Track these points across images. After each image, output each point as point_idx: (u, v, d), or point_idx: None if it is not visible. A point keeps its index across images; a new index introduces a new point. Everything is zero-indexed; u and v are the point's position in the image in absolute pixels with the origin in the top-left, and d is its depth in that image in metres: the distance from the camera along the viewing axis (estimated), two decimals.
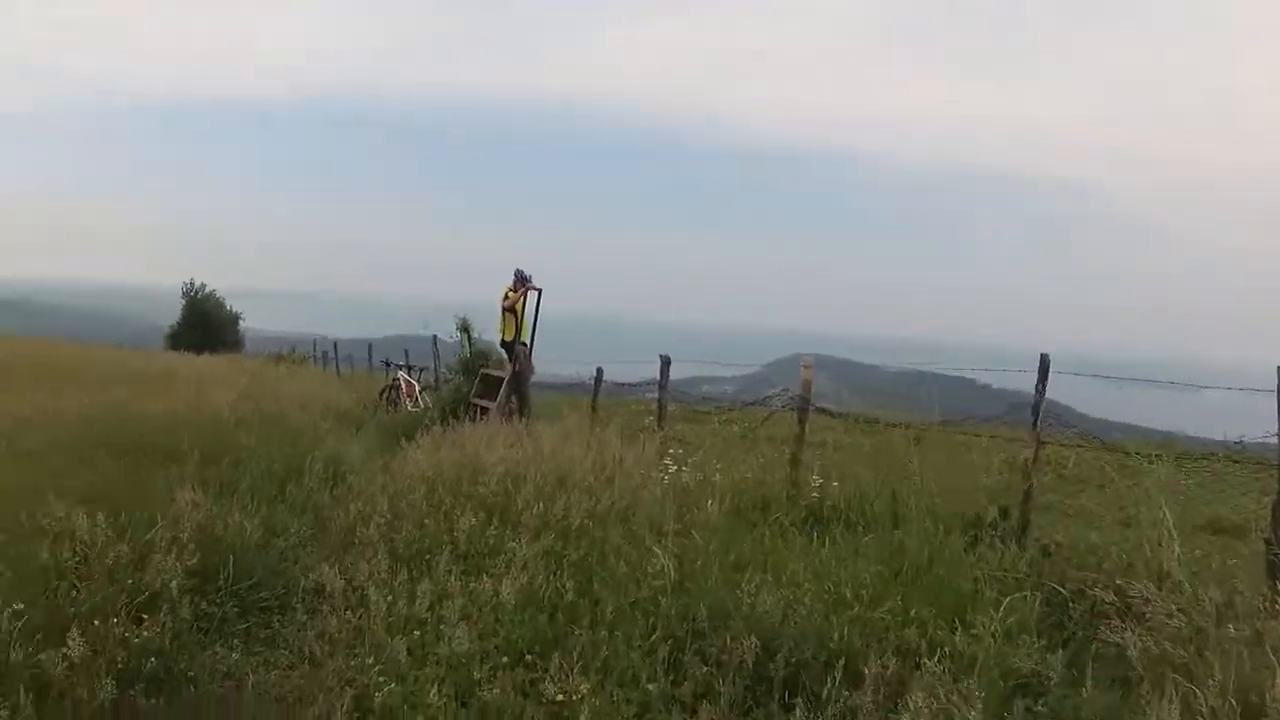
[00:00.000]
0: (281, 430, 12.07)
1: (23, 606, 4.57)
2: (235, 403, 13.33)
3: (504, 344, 15.63)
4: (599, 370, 15.35)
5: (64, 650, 4.18)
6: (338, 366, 30.80)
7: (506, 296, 15.34)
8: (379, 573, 6.32)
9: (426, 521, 7.42)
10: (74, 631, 4.28)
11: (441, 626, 5.47)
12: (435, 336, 19.75)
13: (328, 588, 6.28)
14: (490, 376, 16.32)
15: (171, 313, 56.22)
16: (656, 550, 6.42)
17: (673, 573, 6.15)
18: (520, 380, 15.38)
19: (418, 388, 19.33)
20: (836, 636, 5.36)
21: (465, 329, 17.26)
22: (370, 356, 28.34)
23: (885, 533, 7.67)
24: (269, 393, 16.48)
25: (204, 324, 52.01)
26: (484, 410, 15.50)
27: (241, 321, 58.40)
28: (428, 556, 6.69)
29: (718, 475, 9.01)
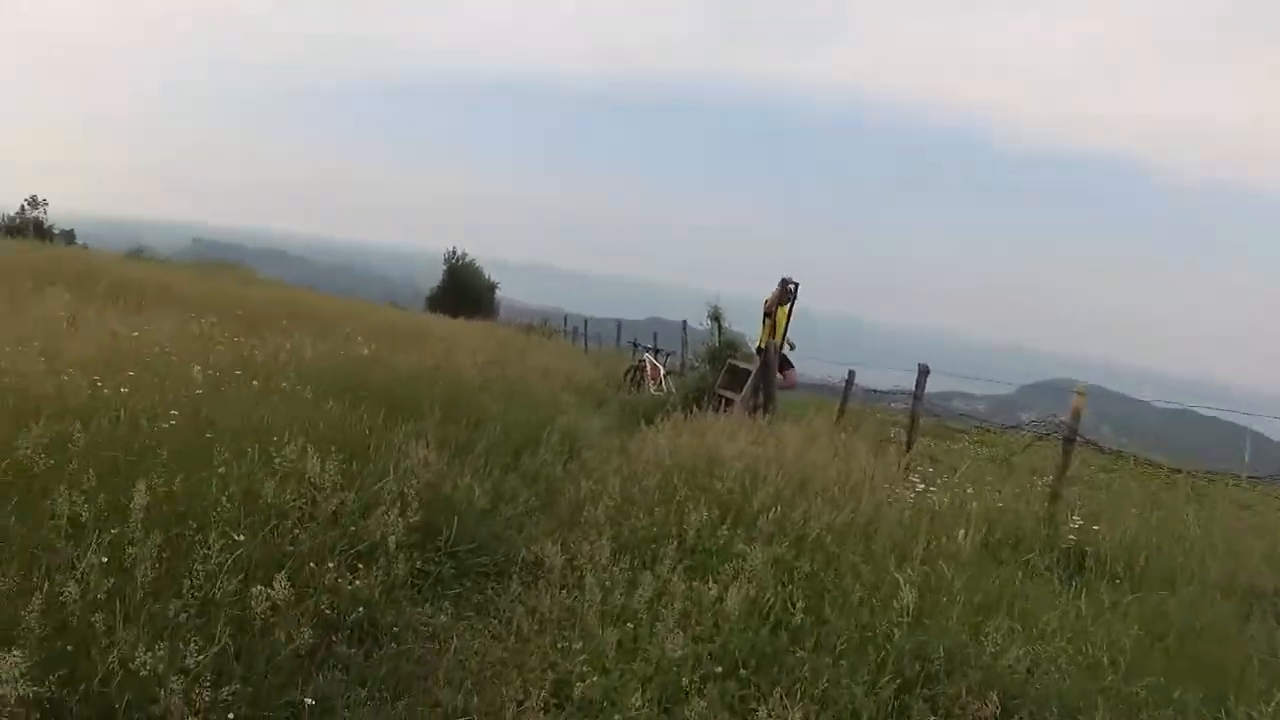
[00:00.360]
0: (523, 398, 12.10)
1: (241, 539, 4.54)
2: (482, 366, 13.51)
3: (759, 351, 15.21)
4: (850, 374, 14.78)
5: (269, 590, 4.09)
6: (586, 342, 31.42)
7: (766, 303, 14.92)
8: (600, 557, 6.04)
9: (657, 510, 7.02)
10: (282, 574, 4.18)
11: (656, 624, 5.12)
12: (685, 322, 19.67)
13: (547, 563, 6.05)
14: (738, 368, 15.99)
15: (433, 276, 58.99)
16: (899, 577, 5.87)
17: (912, 605, 5.59)
18: (768, 376, 14.99)
19: (663, 371, 19.24)
20: (1092, 711, 4.70)
21: (716, 318, 17.00)
22: (619, 336, 28.81)
23: (1150, 591, 6.87)
24: (515, 360, 16.71)
25: (461, 290, 54.43)
26: (728, 402, 15.20)
27: (497, 291, 60.68)
28: (653, 547, 6.35)
29: (974, 502, 8.32)
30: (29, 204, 48.93)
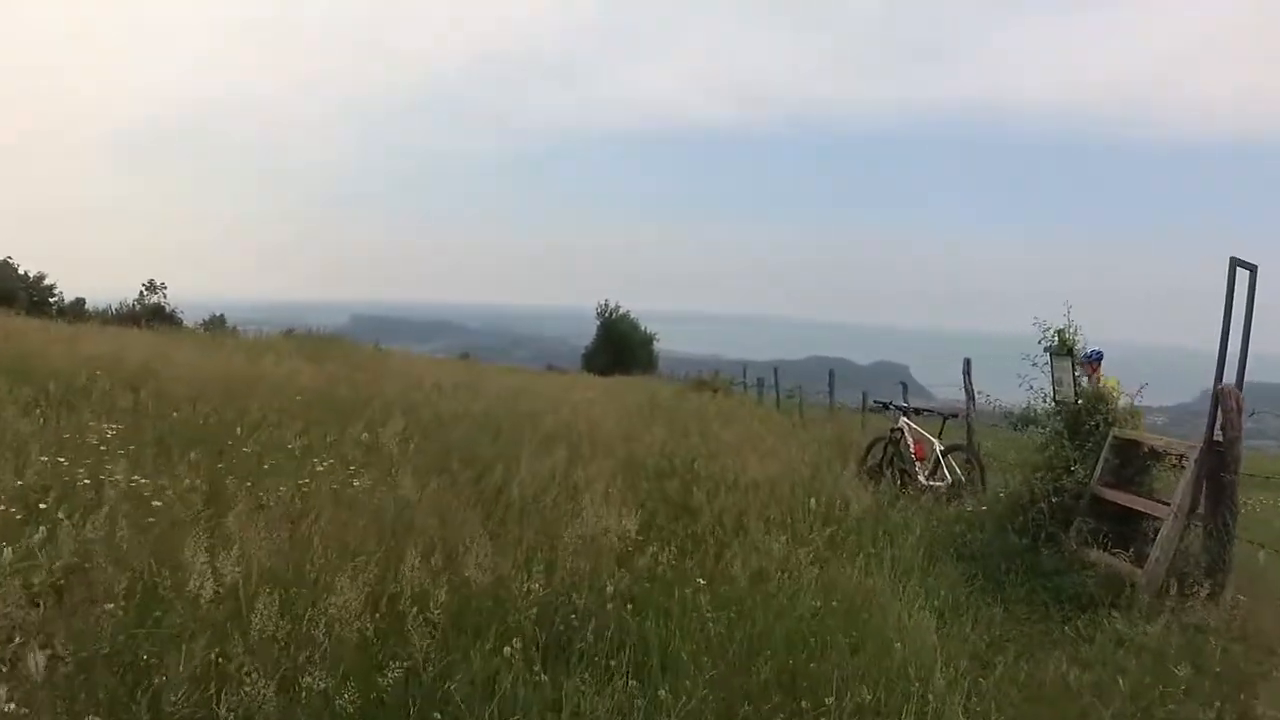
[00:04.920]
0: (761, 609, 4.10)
1: None
2: (647, 515, 5.63)
3: None
4: None
5: None
6: (778, 396, 22.77)
7: None
8: None
9: None
10: None
11: None
12: (968, 361, 11.30)
13: None
14: (1134, 446, 7.86)
15: (590, 334, 54.21)
16: None
17: None
18: (1225, 469, 6.86)
19: (938, 446, 10.93)
20: None
21: (1068, 349, 8.65)
22: (831, 387, 19.17)
23: None
24: (701, 452, 9.05)
25: (617, 344, 49.54)
26: (1130, 516, 7.37)
27: (656, 343, 55.21)
28: None
29: None
30: (147, 288, 44.25)
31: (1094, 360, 10.21)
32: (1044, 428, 9.00)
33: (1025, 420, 9.36)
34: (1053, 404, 8.80)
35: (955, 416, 11.38)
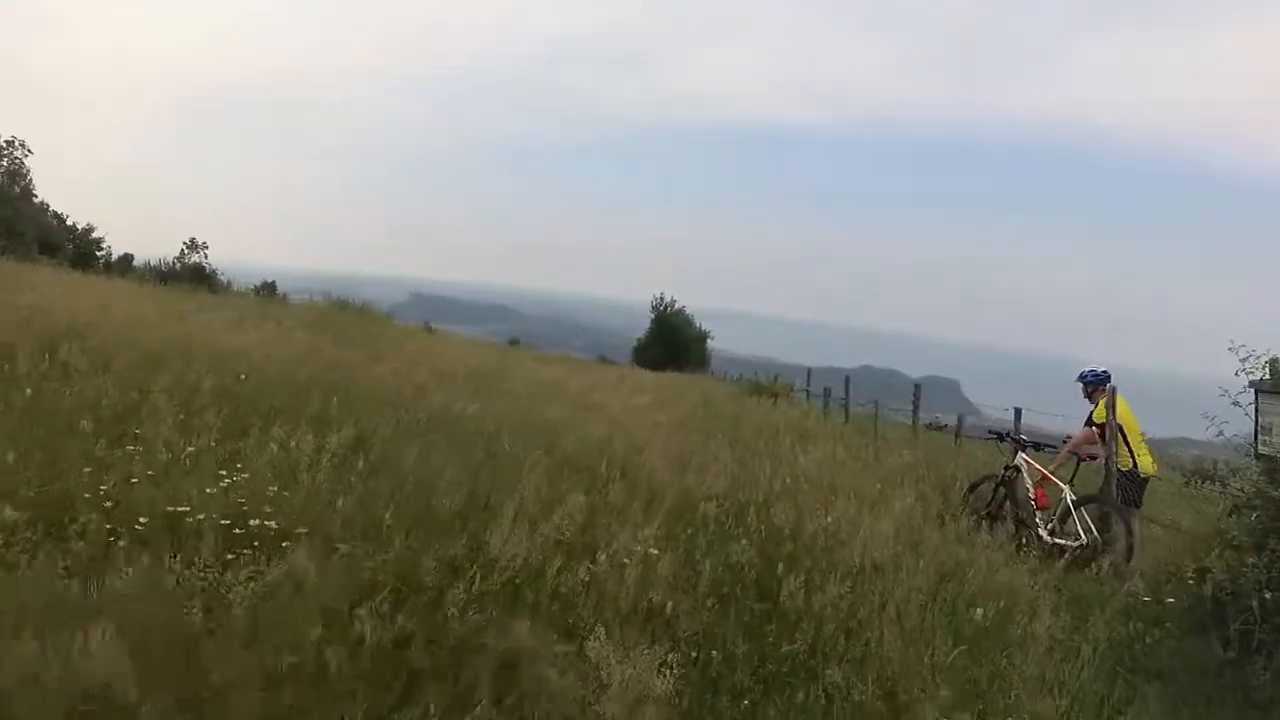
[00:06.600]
0: None
1: None
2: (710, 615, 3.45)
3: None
4: None
5: None
6: (847, 409, 20.35)
7: None
8: None
9: None
10: None
11: None
12: (1113, 389, 8.94)
13: None
14: None
15: (644, 327, 52.62)
16: None
17: None
18: None
19: (1068, 495, 8.62)
20: None
21: None
22: (917, 403, 16.29)
23: None
24: (778, 488, 6.83)
25: (670, 339, 47.59)
26: None
27: (709, 341, 53.35)
28: None
29: None
30: (188, 246, 43.12)
31: (1098, 382, 9.09)
32: (1228, 485, 6.76)
33: (1201, 475, 7.05)
34: (1255, 457, 6.52)
35: (1094, 459, 9.01)
